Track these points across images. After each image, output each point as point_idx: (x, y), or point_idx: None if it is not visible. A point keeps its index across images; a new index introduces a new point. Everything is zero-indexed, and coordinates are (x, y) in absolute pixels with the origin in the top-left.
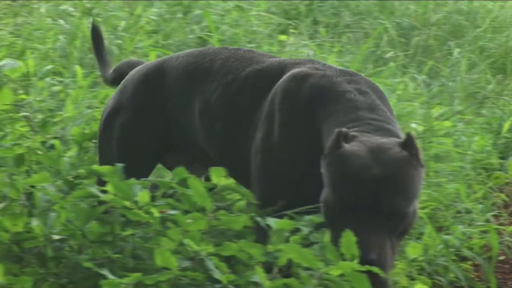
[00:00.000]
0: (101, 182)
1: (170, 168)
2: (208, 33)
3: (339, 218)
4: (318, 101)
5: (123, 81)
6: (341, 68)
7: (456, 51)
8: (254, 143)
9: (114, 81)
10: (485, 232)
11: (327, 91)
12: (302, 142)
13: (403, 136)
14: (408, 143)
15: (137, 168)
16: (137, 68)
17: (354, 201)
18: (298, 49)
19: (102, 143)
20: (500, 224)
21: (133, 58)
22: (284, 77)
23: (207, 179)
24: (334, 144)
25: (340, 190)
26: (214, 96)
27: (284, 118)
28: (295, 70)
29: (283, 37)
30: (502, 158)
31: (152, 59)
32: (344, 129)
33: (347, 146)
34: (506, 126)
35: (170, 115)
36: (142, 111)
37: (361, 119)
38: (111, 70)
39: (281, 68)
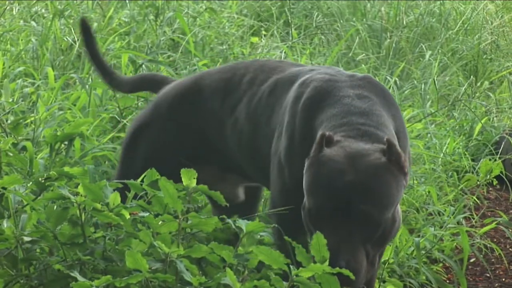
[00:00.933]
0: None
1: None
2: (180, 35)
3: (314, 223)
4: (316, 105)
5: (157, 96)
6: (355, 74)
7: (428, 54)
8: (271, 148)
9: (129, 90)
10: (456, 234)
11: (326, 96)
12: (302, 146)
13: (394, 141)
14: (388, 149)
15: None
16: (172, 85)
17: (327, 206)
18: (270, 51)
19: (127, 155)
20: (471, 227)
21: (156, 73)
22: (296, 83)
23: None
24: (316, 148)
25: (314, 195)
26: (242, 108)
27: (289, 123)
28: (306, 76)
29: (254, 39)
30: (473, 160)
31: (124, 61)
32: (328, 133)
33: (327, 151)
34: (477, 128)
35: (204, 132)
36: (175, 128)
37: (351, 124)
38: (116, 74)
39: (296, 76)
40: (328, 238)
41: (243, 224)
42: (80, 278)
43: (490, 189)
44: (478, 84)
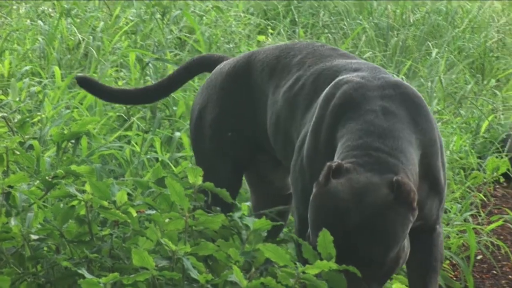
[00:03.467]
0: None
1: (256, 175)
2: (187, 34)
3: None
4: (342, 115)
5: (210, 76)
6: (387, 78)
7: (434, 52)
8: (297, 142)
9: (182, 80)
10: (463, 231)
11: (354, 107)
12: (326, 153)
13: (406, 169)
14: (396, 189)
15: (231, 165)
16: (225, 62)
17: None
18: None
19: (197, 141)
20: (478, 224)
21: (212, 53)
22: (333, 82)
23: None
24: (323, 179)
25: (318, 230)
26: (283, 90)
27: (315, 125)
28: (342, 77)
29: (261, 38)
30: (480, 158)
31: (132, 60)
32: (337, 162)
33: (333, 184)
34: (484, 126)
35: (256, 110)
36: (231, 106)
37: (365, 147)
38: (148, 87)
39: (339, 71)
40: None
41: (250, 221)
42: (87, 276)
43: (497, 186)
44: (485, 82)
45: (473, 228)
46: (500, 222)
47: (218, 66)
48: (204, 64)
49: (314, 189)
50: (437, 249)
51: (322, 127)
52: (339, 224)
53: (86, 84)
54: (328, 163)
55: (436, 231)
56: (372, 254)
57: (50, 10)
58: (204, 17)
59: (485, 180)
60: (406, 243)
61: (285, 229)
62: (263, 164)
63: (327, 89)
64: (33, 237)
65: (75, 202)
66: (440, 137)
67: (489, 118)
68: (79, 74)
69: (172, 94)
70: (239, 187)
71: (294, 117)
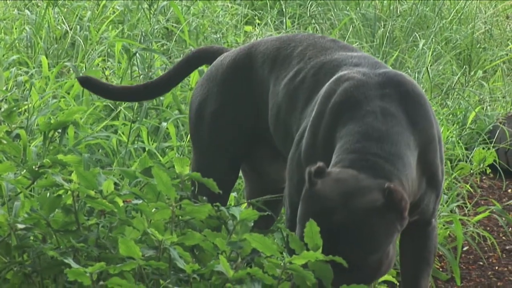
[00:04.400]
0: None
1: (252, 167)
2: (174, 24)
3: None
4: (343, 114)
5: (210, 68)
6: (386, 73)
7: (421, 42)
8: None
9: (183, 74)
10: (449, 222)
11: (354, 106)
12: (324, 151)
13: (402, 176)
14: (387, 197)
15: (229, 157)
16: (225, 54)
17: None
18: None
19: (195, 133)
20: (465, 215)
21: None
22: (334, 76)
23: None
24: (308, 182)
25: (303, 229)
26: (283, 82)
27: (314, 121)
28: (343, 72)
29: (248, 28)
30: (467, 149)
31: (118, 49)
32: (321, 165)
33: (321, 185)
34: (471, 117)
35: (257, 102)
36: (231, 98)
37: (363, 152)
38: (150, 82)
39: (339, 65)
40: None
41: (236, 211)
42: (73, 265)
43: (484, 177)
44: (472, 73)
45: (460, 219)
46: (486, 213)
47: (218, 58)
48: (204, 56)
49: (303, 191)
50: (432, 242)
51: (321, 124)
52: (324, 222)
53: (89, 84)
54: (307, 168)
55: (432, 225)
56: (351, 256)
57: None
58: (191, 7)
59: (472, 171)
60: (392, 251)
61: None
62: (261, 157)
63: (327, 84)
64: (20, 226)
65: (61, 192)
66: (439, 133)
67: (476, 109)
68: (81, 75)
69: None
70: (236, 179)
71: (294, 109)
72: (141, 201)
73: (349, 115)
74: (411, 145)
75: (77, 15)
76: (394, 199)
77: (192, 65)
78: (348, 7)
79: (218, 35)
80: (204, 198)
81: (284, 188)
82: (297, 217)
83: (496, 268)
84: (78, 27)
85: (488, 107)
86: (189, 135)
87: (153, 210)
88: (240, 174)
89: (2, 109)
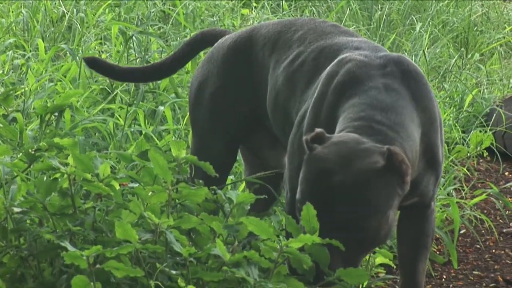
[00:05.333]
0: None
1: (252, 151)
2: (171, 7)
3: (300, 215)
4: (346, 92)
5: (211, 49)
6: (388, 55)
7: (418, 26)
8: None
9: (187, 57)
10: (446, 205)
11: (357, 84)
12: (321, 127)
13: (405, 144)
14: (387, 158)
15: (227, 140)
16: (227, 36)
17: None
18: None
19: (194, 115)
20: (462, 198)
21: (213, 28)
22: (335, 60)
23: None
24: (307, 146)
25: (302, 191)
26: (283, 66)
27: (316, 102)
28: (344, 55)
29: (245, 11)
30: (464, 132)
31: (114, 32)
32: (319, 130)
33: (319, 149)
34: (468, 100)
35: (256, 86)
36: (231, 80)
37: (367, 119)
38: (153, 64)
39: (340, 49)
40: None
41: (233, 195)
42: (70, 248)
43: (481, 160)
44: (469, 56)
45: (457, 202)
46: (483, 196)
47: (219, 40)
48: (207, 39)
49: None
50: (430, 225)
51: (323, 104)
52: (322, 182)
53: (95, 64)
54: (304, 136)
55: (431, 207)
56: (348, 217)
57: None
58: None
59: (468, 154)
60: (392, 216)
61: None
62: (260, 142)
63: (329, 67)
64: (16, 209)
65: (58, 175)
66: (439, 115)
67: (473, 92)
68: (87, 56)
69: None
70: (233, 162)
71: (294, 93)
72: (137, 185)
73: (352, 92)
74: (414, 121)
75: None
76: (394, 161)
77: (195, 48)
78: None
79: (214, 18)
80: (201, 181)
81: (283, 173)
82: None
83: (493, 251)
84: (75, 10)
85: (485, 90)
86: (185, 118)
87: (149, 194)
88: (239, 157)
89: None
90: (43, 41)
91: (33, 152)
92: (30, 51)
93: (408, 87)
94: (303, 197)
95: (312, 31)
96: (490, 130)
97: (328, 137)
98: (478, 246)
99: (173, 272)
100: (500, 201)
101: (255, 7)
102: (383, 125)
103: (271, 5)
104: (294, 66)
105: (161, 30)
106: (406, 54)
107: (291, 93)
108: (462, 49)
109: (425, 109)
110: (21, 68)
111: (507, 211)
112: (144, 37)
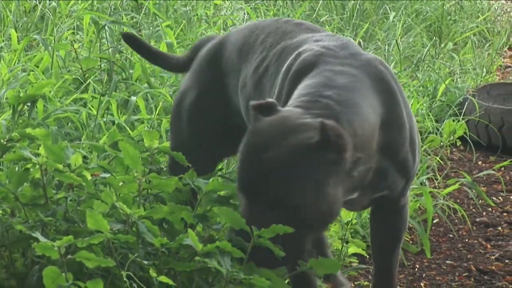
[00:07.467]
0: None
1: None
2: None
3: (237, 193)
4: (299, 78)
5: (195, 59)
6: (363, 54)
7: (392, 15)
8: None
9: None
10: (419, 195)
11: (311, 68)
12: None
13: (352, 120)
14: (320, 131)
15: (204, 149)
16: (208, 44)
17: (240, 181)
18: (234, 13)
19: (174, 125)
20: (435, 187)
21: (212, 34)
22: (293, 54)
23: None
24: (253, 116)
25: (237, 168)
26: (249, 74)
27: (276, 96)
28: (302, 48)
29: (218, 1)
30: (437, 121)
31: (86, 22)
32: (270, 100)
33: (262, 122)
34: (441, 89)
35: (230, 94)
36: (207, 89)
37: (316, 94)
38: (176, 55)
39: (299, 46)
40: (242, 214)
41: (202, 183)
42: (42, 239)
43: (454, 150)
44: (442, 45)
45: (430, 192)
46: (456, 186)
47: (202, 49)
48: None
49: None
50: (402, 219)
51: (282, 96)
52: (255, 156)
53: (131, 40)
54: (252, 102)
55: (401, 202)
56: (280, 194)
57: None
58: None
59: (442, 143)
60: (333, 194)
61: None
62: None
63: (287, 62)
64: None
65: (29, 165)
66: (412, 122)
67: (446, 82)
68: (126, 31)
69: (129, 57)
70: (213, 170)
71: (263, 99)
72: (109, 175)
73: (305, 76)
74: (373, 105)
75: None
76: (329, 136)
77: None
78: None
79: (187, 8)
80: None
81: None
82: None
83: (466, 240)
84: (47, 0)
85: (459, 79)
86: (158, 108)
87: (120, 184)
88: None
89: None
90: (16, 31)
91: (5, 143)
92: (3, 41)
93: (370, 79)
94: (237, 173)
95: (273, 34)
96: (463, 119)
97: (278, 110)
98: (451, 235)
99: (145, 262)
100: (473, 191)
101: None
102: (331, 99)
103: None
104: (260, 72)
105: (134, 19)
106: (379, 43)
107: (260, 97)
108: (435, 38)
109: (387, 104)
110: None
111: (480, 201)
112: (116, 27)
